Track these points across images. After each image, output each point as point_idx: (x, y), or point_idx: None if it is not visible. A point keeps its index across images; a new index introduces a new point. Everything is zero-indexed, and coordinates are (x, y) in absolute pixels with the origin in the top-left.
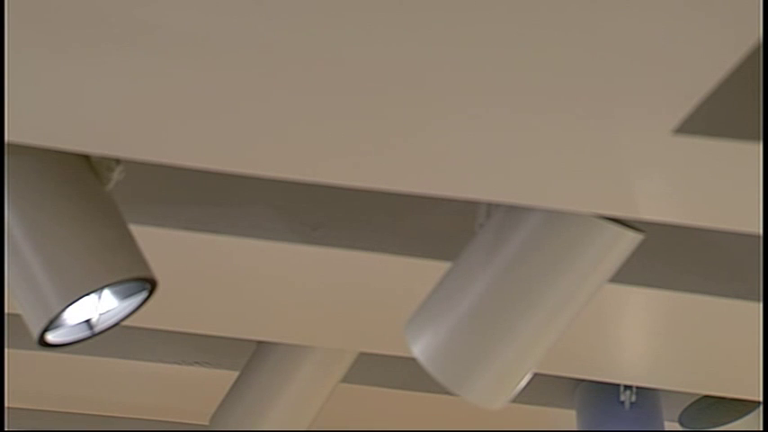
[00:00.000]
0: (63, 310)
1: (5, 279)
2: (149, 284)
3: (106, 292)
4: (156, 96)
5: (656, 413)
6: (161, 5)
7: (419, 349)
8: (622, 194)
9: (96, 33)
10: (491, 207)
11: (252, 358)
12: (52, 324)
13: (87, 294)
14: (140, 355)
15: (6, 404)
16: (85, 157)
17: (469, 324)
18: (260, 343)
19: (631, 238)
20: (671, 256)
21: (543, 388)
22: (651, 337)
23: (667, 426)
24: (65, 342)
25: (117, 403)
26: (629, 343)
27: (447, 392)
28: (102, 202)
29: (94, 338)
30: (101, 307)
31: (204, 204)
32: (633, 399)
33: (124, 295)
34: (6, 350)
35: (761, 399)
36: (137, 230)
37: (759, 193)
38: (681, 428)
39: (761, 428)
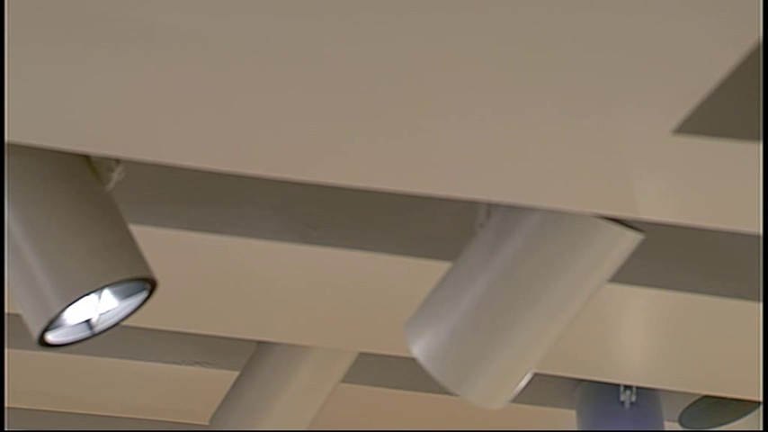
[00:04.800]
0: (63, 310)
1: (5, 279)
2: (149, 284)
3: (106, 292)
4: (155, 96)
5: (656, 413)
6: (160, 6)
7: (419, 349)
8: (622, 194)
9: (96, 33)
10: (491, 207)
11: (252, 358)
12: (52, 324)
13: (87, 294)
14: (140, 355)
15: (6, 404)
16: (85, 157)
17: (469, 324)
18: (260, 343)
19: (631, 238)
20: (671, 256)
21: (543, 388)
22: (651, 337)
23: (667, 426)
24: (65, 342)
25: (117, 403)
26: (629, 343)
27: (447, 392)
28: (102, 202)
29: (94, 338)
30: (101, 307)
31: (204, 204)
32: (633, 399)
33: (124, 295)
34: (6, 350)
35: (761, 399)
36: (137, 230)
37: (759, 193)
38: (681, 428)
39: (761, 428)
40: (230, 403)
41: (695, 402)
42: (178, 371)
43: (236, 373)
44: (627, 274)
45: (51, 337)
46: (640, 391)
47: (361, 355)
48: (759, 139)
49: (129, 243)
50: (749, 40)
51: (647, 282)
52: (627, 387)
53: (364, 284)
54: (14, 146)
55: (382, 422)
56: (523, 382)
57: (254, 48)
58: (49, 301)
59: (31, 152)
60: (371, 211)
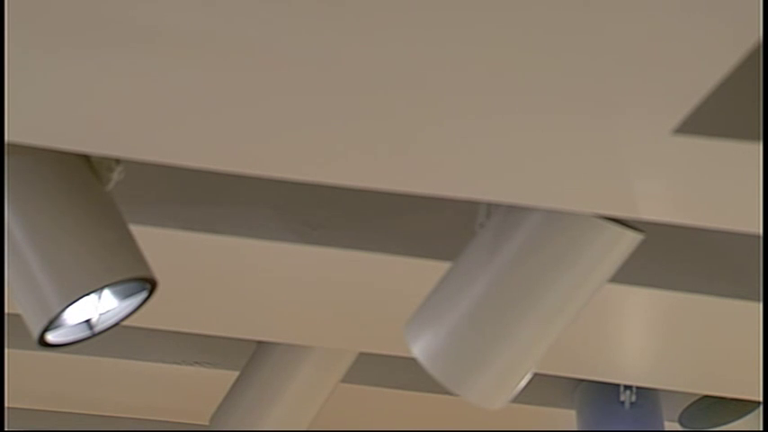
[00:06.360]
0: (63, 310)
1: (5, 279)
2: (149, 284)
3: (106, 292)
4: (156, 96)
5: (656, 413)
6: (161, 6)
7: (419, 349)
8: (622, 194)
9: (96, 34)
10: (491, 207)
11: (252, 358)
12: (52, 324)
13: (87, 294)
14: (140, 355)
15: (6, 404)
16: (85, 157)
17: (469, 324)
18: (260, 343)
19: (631, 238)
20: (671, 256)
21: (543, 388)
22: (651, 337)
23: (667, 426)
24: (65, 342)
25: (117, 403)
26: (629, 343)
27: (447, 392)
28: (102, 202)
29: (94, 338)
30: (101, 307)
31: (204, 204)
32: (633, 399)
33: (124, 295)
34: (6, 350)
35: (761, 399)
36: (137, 230)
37: (759, 193)
38: (681, 428)
39: (761, 428)
40: (230, 403)
41: (695, 402)
42: (178, 371)
43: (236, 373)
44: (627, 274)
45: (51, 337)
46: (640, 391)
47: (361, 355)
48: (759, 139)
49: (129, 243)
50: (749, 41)
51: (647, 282)
52: (627, 387)
53: (364, 284)
54: (14, 146)
55: (382, 422)
56: (523, 382)
57: (254, 49)
58: (48, 301)
59: (31, 152)
60: (371, 211)
